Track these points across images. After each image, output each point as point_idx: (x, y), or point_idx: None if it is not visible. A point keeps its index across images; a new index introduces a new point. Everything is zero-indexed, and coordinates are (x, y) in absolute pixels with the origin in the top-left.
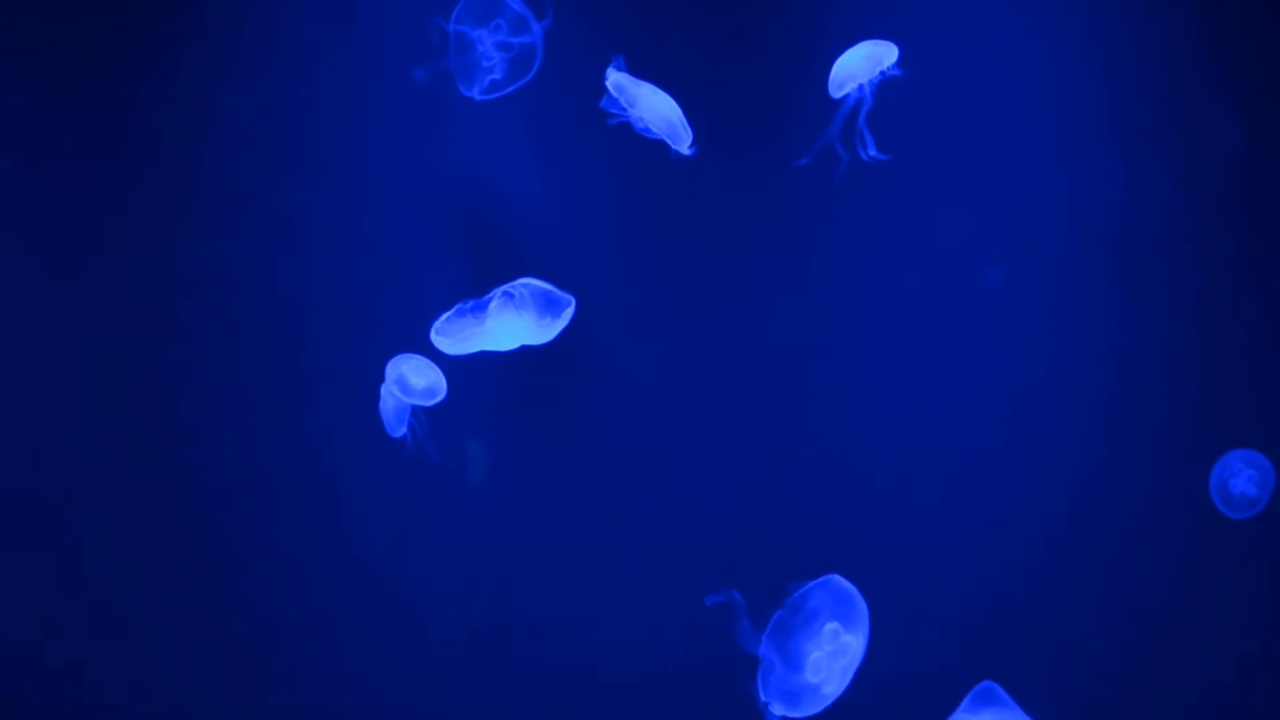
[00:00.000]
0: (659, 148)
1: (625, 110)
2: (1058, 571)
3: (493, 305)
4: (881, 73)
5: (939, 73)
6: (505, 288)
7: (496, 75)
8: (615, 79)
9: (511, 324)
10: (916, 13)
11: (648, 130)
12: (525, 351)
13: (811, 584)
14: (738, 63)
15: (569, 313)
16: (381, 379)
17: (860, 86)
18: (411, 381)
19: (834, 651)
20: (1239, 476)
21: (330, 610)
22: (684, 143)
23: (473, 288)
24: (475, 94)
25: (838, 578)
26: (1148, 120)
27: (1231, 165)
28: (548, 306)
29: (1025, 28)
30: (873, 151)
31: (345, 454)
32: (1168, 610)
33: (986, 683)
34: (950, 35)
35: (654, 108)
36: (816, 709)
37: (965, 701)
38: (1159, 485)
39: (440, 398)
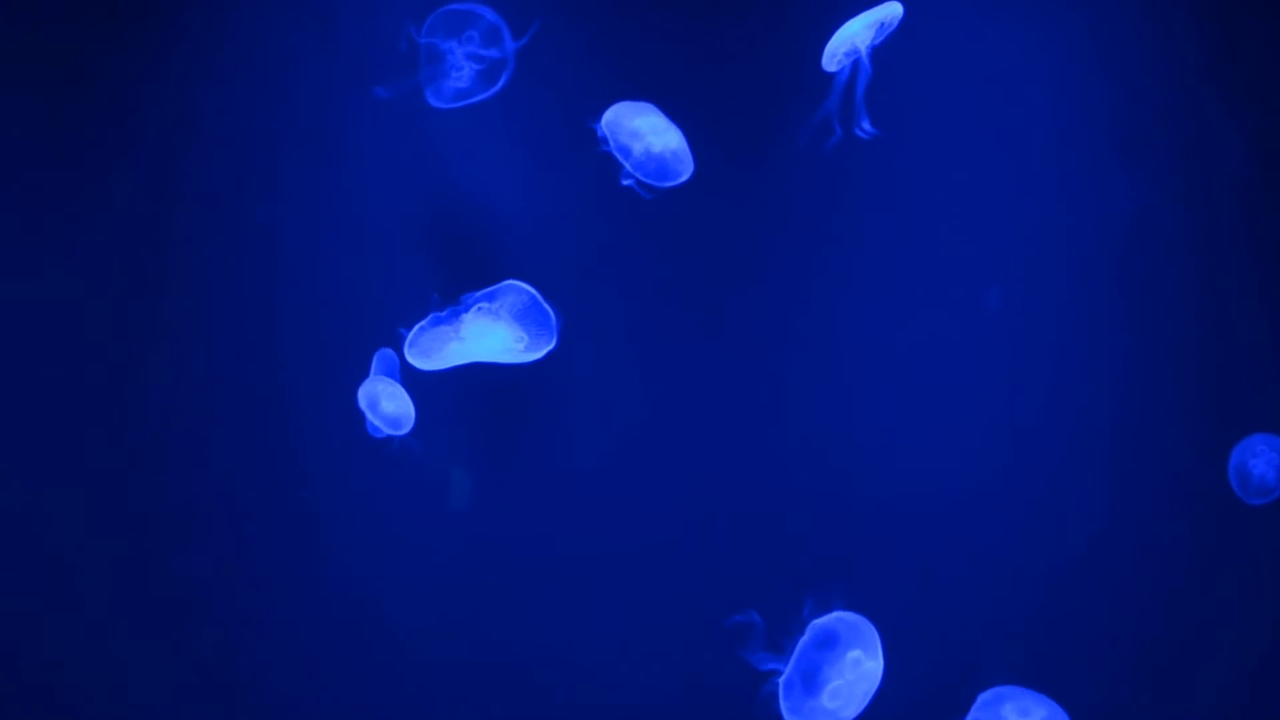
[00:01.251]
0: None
1: (623, 153)
2: (1072, 582)
3: (468, 314)
4: (881, 24)
5: (942, 94)
6: (483, 293)
7: (463, 84)
8: (609, 119)
9: (489, 333)
10: (918, 32)
11: (647, 166)
12: (505, 370)
13: (835, 610)
14: (726, 72)
15: (553, 334)
16: (358, 390)
17: (857, 56)
18: (382, 405)
19: (855, 680)
20: (1260, 458)
21: (306, 634)
22: (686, 172)
23: (451, 299)
24: (439, 101)
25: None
26: (1154, 141)
27: (1238, 186)
28: (528, 317)
29: (1029, 48)
30: (868, 127)
31: (321, 468)
32: (1185, 623)
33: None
34: (953, 57)
35: (655, 146)
36: None
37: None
38: (1166, 504)
39: (406, 430)
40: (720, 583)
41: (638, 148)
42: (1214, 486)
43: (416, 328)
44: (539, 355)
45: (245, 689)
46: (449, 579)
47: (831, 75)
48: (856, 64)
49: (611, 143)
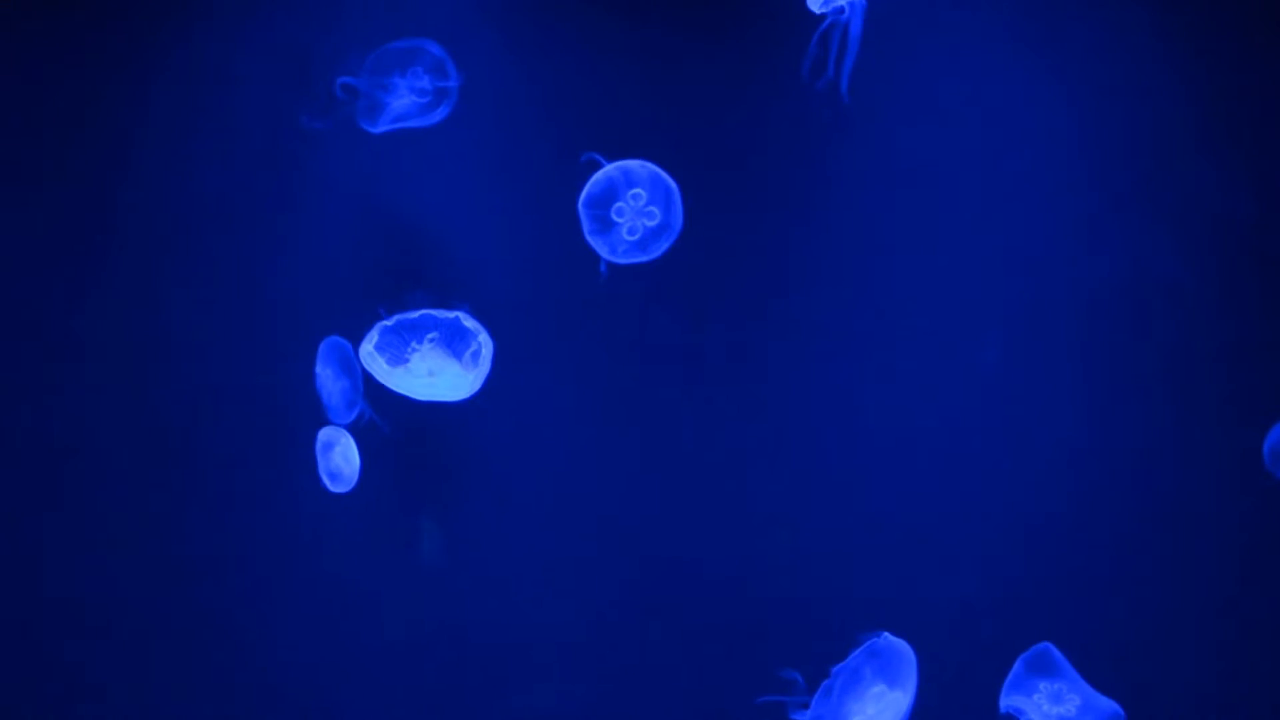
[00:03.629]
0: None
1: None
2: (1091, 599)
3: (417, 347)
4: None
5: (938, 145)
6: (423, 314)
7: (403, 111)
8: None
9: (438, 362)
10: (917, 85)
11: (632, 248)
12: (465, 411)
13: (860, 646)
14: (699, 106)
15: (487, 354)
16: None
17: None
18: (333, 456)
19: (877, 714)
20: None
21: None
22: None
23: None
24: (375, 127)
25: (886, 636)
26: (1153, 191)
27: (1239, 236)
28: (476, 348)
29: (1028, 99)
30: (844, 91)
31: (279, 505)
32: (1222, 628)
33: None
34: (950, 107)
35: (638, 229)
36: None
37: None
38: (1177, 543)
39: (346, 489)
40: (721, 615)
41: (621, 232)
42: (1218, 507)
43: (367, 352)
44: (479, 383)
45: None
46: (412, 619)
47: (820, 16)
48: (847, 26)
49: (589, 230)
